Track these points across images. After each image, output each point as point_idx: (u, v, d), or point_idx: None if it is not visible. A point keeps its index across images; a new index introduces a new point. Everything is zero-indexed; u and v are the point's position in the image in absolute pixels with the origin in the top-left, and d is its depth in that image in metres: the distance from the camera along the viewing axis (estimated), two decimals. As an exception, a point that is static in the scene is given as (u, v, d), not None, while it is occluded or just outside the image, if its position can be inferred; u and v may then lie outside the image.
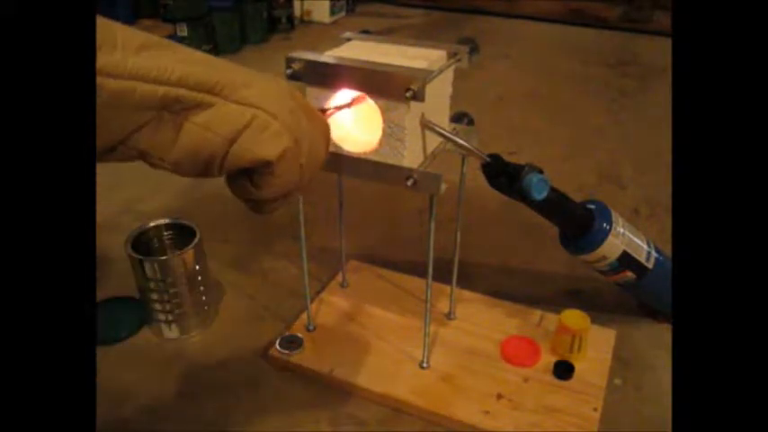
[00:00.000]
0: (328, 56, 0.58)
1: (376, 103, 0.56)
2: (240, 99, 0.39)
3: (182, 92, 0.37)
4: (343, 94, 0.58)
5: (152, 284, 0.75)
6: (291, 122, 0.41)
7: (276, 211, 0.46)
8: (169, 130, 0.38)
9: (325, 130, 0.48)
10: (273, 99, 0.41)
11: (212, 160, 0.40)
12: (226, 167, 0.41)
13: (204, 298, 0.80)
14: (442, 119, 0.64)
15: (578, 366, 0.71)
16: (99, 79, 0.33)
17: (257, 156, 0.40)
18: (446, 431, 0.67)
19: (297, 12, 2.26)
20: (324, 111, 0.57)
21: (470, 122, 0.68)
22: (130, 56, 0.34)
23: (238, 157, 0.40)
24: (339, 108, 0.58)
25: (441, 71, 0.58)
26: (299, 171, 0.43)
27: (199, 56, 0.39)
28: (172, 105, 0.37)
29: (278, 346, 0.75)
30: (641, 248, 0.73)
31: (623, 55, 1.96)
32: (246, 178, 0.43)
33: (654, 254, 0.74)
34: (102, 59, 0.33)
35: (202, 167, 0.40)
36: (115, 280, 0.85)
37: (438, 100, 0.62)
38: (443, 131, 0.59)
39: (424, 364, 0.72)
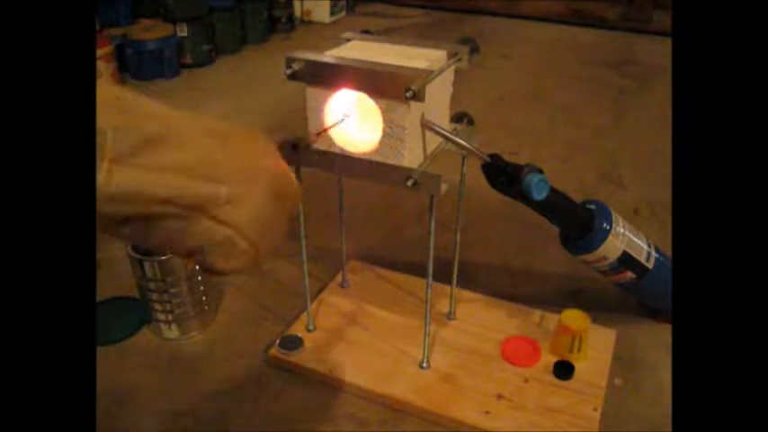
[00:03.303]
0: (328, 56, 0.58)
1: (376, 103, 0.56)
2: (219, 216, 0.40)
3: (165, 209, 0.37)
4: (343, 95, 0.58)
5: (152, 284, 0.75)
6: (260, 239, 0.43)
7: None
8: (141, 229, 0.38)
9: (295, 201, 0.49)
10: (253, 219, 0.42)
11: (175, 254, 0.42)
12: (185, 259, 0.43)
13: (204, 298, 0.80)
14: (443, 119, 0.64)
15: (578, 366, 0.71)
16: None
17: (217, 268, 0.42)
18: (446, 431, 0.67)
19: (297, 12, 2.26)
20: (310, 139, 0.57)
21: (470, 122, 0.68)
22: (116, 169, 0.33)
23: (199, 261, 0.42)
24: (327, 130, 0.58)
25: (441, 71, 0.58)
26: (247, 269, 0.45)
27: (194, 153, 0.38)
28: (151, 218, 0.37)
29: (278, 346, 0.75)
30: (641, 248, 0.73)
31: (623, 55, 1.96)
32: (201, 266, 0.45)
33: (654, 254, 0.74)
34: None
35: (161, 251, 0.43)
36: (115, 280, 0.85)
37: (438, 100, 0.62)
38: (443, 131, 0.59)
39: (424, 365, 0.72)
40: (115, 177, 0.33)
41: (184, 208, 0.38)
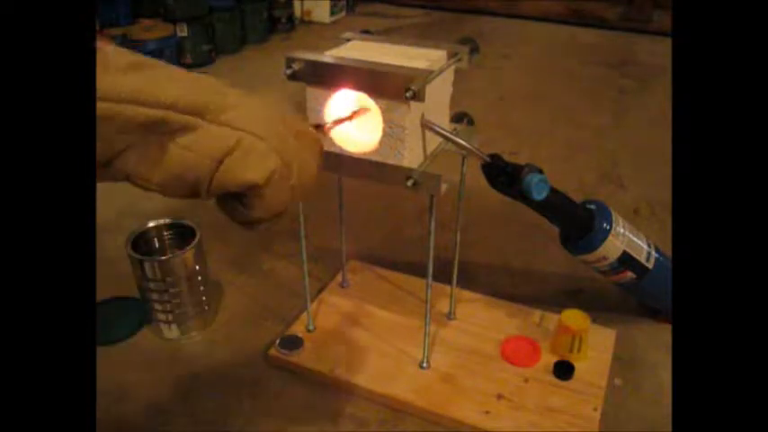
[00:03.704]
0: (328, 56, 0.58)
1: (376, 103, 0.56)
2: (226, 121, 0.39)
3: (168, 114, 0.36)
4: (343, 95, 0.58)
5: (152, 284, 0.75)
6: (279, 144, 0.41)
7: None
8: (154, 153, 0.37)
9: (318, 149, 0.47)
10: (261, 121, 0.40)
11: (198, 183, 0.39)
12: (213, 190, 0.40)
13: (204, 298, 0.80)
14: (443, 119, 0.64)
15: (578, 366, 0.71)
16: None
17: (244, 179, 0.39)
18: (446, 431, 0.67)
19: (297, 12, 2.26)
20: (322, 125, 0.57)
21: (470, 122, 0.68)
22: (120, 75, 0.34)
23: (225, 180, 0.39)
24: (338, 122, 0.58)
25: (441, 71, 0.58)
26: (290, 192, 0.42)
27: (187, 76, 0.38)
28: (157, 128, 0.37)
29: (278, 346, 0.75)
30: (641, 248, 0.73)
31: (623, 55, 1.96)
32: (236, 200, 0.42)
33: (654, 254, 0.74)
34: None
35: (189, 190, 0.40)
36: (115, 280, 0.85)
37: (438, 100, 0.62)
38: (443, 131, 0.59)
39: (424, 365, 0.72)
40: (119, 80, 0.34)
41: (190, 113, 0.37)
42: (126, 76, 0.34)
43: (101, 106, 0.33)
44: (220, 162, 0.39)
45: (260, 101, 0.42)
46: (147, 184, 0.39)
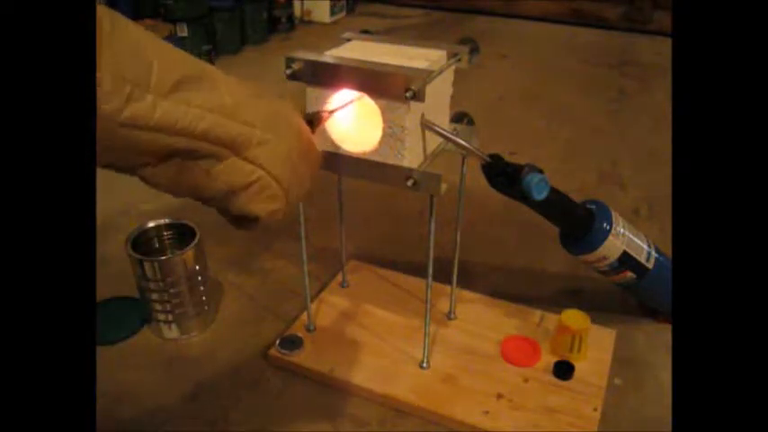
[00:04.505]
0: (328, 56, 0.58)
1: (376, 103, 0.56)
2: (252, 158, 0.41)
3: (201, 144, 0.38)
4: (343, 95, 0.58)
5: (152, 284, 0.75)
6: (290, 184, 0.44)
7: None
8: (175, 172, 0.39)
9: (317, 164, 0.50)
10: (282, 161, 0.43)
11: (208, 201, 0.43)
12: (217, 207, 0.44)
13: (204, 298, 0.80)
14: (443, 119, 0.64)
15: (578, 366, 0.71)
16: (125, 131, 0.34)
17: (250, 212, 0.43)
18: (446, 431, 0.67)
19: (297, 12, 2.26)
20: (321, 116, 0.57)
21: (470, 122, 0.68)
22: (160, 101, 0.35)
23: (233, 206, 0.43)
24: (336, 110, 0.58)
25: (441, 71, 0.58)
26: (282, 214, 0.46)
27: (229, 96, 0.39)
28: (187, 154, 0.39)
29: (278, 346, 0.75)
30: (641, 248, 0.73)
31: (623, 55, 1.96)
32: (234, 217, 0.45)
33: (654, 254, 0.74)
34: (132, 110, 0.33)
35: (194, 198, 0.43)
36: (115, 280, 0.85)
37: (438, 100, 0.62)
38: (443, 131, 0.59)
39: (424, 365, 0.72)
40: (158, 109, 0.35)
41: (219, 145, 0.39)
42: (166, 100, 0.35)
43: (134, 133, 0.34)
44: (234, 192, 0.42)
45: (288, 132, 0.44)
46: (157, 188, 0.41)
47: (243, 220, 0.45)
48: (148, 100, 0.34)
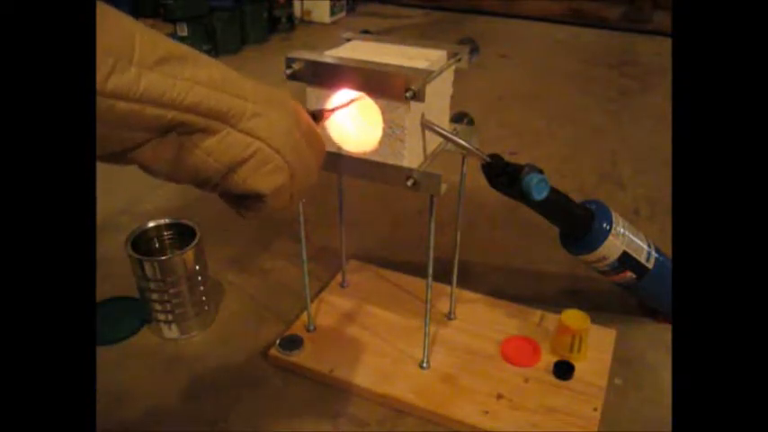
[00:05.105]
0: (328, 56, 0.58)
1: (376, 103, 0.56)
2: (247, 129, 0.39)
3: (191, 117, 0.37)
4: (343, 95, 0.58)
5: (152, 284, 0.75)
6: (292, 158, 0.42)
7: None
8: (170, 149, 0.38)
9: (322, 153, 0.48)
10: (280, 133, 0.41)
11: (208, 182, 0.41)
12: (220, 189, 0.42)
13: (204, 298, 0.80)
14: (443, 119, 0.64)
15: (578, 366, 0.71)
16: (110, 101, 0.33)
17: (252, 188, 0.41)
18: (446, 431, 0.67)
19: (297, 12, 2.26)
20: (323, 113, 0.57)
21: (470, 122, 0.68)
22: (145, 73, 0.34)
23: (234, 184, 0.41)
24: (339, 108, 0.58)
25: (441, 71, 0.58)
26: (289, 199, 0.44)
27: (217, 72, 0.38)
28: (178, 128, 0.37)
29: (278, 346, 0.75)
30: (641, 249, 0.73)
31: (623, 55, 1.96)
32: (238, 199, 0.44)
33: (654, 254, 0.74)
34: (115, 80, 0.32)
35: (195, 184, 0.41)
36: (115, 280, 0.85)
37: (438, 100, 0.62)
38: (443, 131, 0.59)
39: (424, 365, 0.72)
40: (143, 80, 0.34)
41: (211, 118, 0.38)
42: (152, 72, 0.34)
43: (120, 105, 0.33)
44: (234, 168, 0.40)
45: (283, 107, 0.42)
46: (157, 175, 0.40)
47: (248, 203, 0.43)
48: (132, 72, 0.33)
